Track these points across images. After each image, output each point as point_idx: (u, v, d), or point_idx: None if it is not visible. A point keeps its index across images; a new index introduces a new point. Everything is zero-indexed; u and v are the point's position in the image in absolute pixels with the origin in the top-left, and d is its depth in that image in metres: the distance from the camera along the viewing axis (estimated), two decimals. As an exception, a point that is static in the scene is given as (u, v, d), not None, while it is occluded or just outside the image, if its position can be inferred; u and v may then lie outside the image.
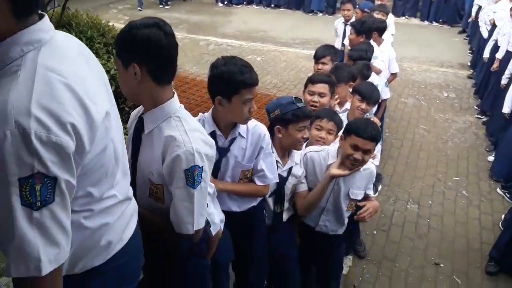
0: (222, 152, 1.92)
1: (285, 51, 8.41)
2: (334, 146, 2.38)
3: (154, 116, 1.46)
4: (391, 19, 5.33)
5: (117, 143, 1.19)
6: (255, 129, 1.95)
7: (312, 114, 2.28)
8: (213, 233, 1.72)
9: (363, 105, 2.87)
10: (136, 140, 1.54)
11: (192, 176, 1.39)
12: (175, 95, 1.50)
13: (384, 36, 4.36)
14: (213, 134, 1.89)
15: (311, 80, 2.72)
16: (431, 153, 4.93)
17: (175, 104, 1.48)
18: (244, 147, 1.94)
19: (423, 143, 5.14)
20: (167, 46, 1.37)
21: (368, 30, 4.04)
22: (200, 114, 1.99)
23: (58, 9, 3.22)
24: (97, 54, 2.91)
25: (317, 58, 3.42)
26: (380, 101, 4.12)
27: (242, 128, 1.93)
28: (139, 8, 11.54)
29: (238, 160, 1.94)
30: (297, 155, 2.28)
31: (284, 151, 2.24)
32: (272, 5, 12.23)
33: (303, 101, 2.30)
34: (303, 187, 2.33)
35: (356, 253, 3.36)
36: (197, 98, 5.73)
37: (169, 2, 12.10)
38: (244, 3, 12.50)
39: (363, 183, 2.38)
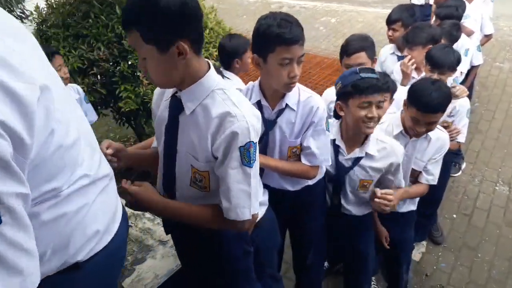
0: (269, 125, 1.73)
1: (362, 11, 7.79)
2: (393, 113, 2.15)
3: (193, 94, 1.27)
4: None
5: (69, 120, 1.00)
6: (308, 101, 1.70)
7: (384, 87, 1.80)
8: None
9: (435, 75, 2.44)
10: (172, 125, 1.36)
11: (248, 154, 1.24)
12: (212, 65, 1.31)
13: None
14: (259, 104, 1.71)
15: (345, 51, 2.24)
16: (529, 126, 4.28)
17: (215, 76, 1.29)
18: (293, 120, 1.71)
19: (520, 115, 4.48)
20: (199, 8, 1.17)
21: None
22: (250, 82, 1.81)
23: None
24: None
25: (388, 23, 3.03)
26: (470, 67, 3.61)
27: (292, 99, 1.69)
28: None
29: (286, 135, 1.74)
30: (374, 143, 1.87)
31: (350, 135, 1.88)
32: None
33: (376, 71, 1.86)
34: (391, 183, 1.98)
35: (432, 238, 3.03)
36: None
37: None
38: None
39: (428, 154, 2.10)
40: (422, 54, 2.59)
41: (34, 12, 3.08)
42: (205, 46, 2.95)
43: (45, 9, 3.04)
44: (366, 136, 1.86)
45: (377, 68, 2.92)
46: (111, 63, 2.75)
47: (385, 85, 1.86)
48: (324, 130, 1.74)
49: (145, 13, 1.11)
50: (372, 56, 2.28)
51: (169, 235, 1.78)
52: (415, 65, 2.66)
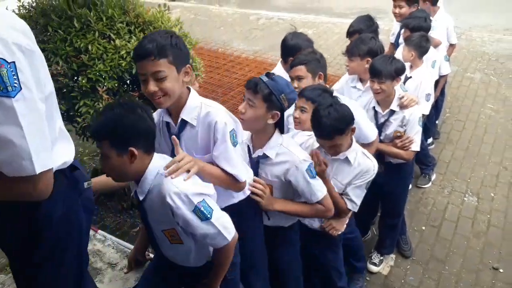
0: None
1: (339, 23, 7.85)
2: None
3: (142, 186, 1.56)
4: None
5: None
6: (207, 115, 1.69)
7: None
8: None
9: (375, 85, 2.46)
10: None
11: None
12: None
13: (440, 3, 3.81)
14: (167, 123, 1.81)
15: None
16: (498, 136, 4.33)
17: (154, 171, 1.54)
18: (196, 136, 1.73)
19: (489, 124, 4.53)
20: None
21: None
22: None
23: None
24: (117, 35, 2.77)
25: (348, 35, 3.05)
26: (439, 77, 3.64)
27: (188, 114, 1.70)
28: None
29: (192, 151, 1.77)
30: (275, 147, 1.92)
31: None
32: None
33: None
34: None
35: (400, 251, 3.02)
36: (240, 77, 5.51)
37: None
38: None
39: (347, 178, 2.10)
40: (360, 65, 2.62)
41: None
42: (169, 59, 2.90)
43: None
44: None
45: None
46: (69, 78, 2.68)
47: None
48: (227, 145, 1.69)
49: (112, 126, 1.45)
50: (316, 71, 2.33)
51: (118, 258, 1.76)
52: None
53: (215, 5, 9.48)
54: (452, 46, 4.05)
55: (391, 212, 2.84)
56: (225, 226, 1.56)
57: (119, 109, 1.47)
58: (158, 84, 1.55)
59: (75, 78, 2.71)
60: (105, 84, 2.66)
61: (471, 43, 6.58)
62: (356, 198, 2.11)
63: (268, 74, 1.85)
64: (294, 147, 1.94)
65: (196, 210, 1.48)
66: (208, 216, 1.50)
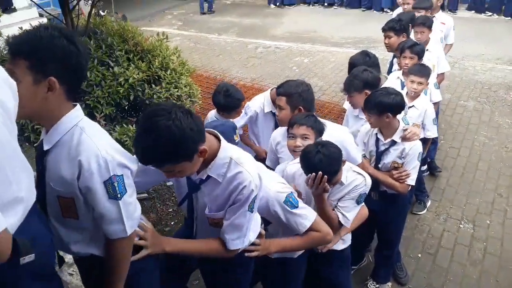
0: (193, 187, 1.75)
1: (334, 51, 8.03)
2: None
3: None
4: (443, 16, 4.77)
5: None
6: (236, 176, 1.59)
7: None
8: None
9: (366, 117, 2.53)
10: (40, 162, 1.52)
11: (113, 187, 1.44)
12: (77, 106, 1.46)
13: (432, 34, 3.91)
14: None
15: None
16: (492, 163, 4.36)
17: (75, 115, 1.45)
18: (217, 193, 1.64)
19: (484, 152, 4.57)
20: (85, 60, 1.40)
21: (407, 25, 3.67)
22: None
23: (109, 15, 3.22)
24: (116, 62, 2.84)
25: (349, 70, 3.12)
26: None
27: (216, 171, 1.62)
28: (202, 11, 11.65)
29: (206, 205, 1.71)
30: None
31: None
32: (326, 4, 11.81)
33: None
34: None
35: (396, 279, 2.99)
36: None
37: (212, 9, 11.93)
38: (296, 3, 12.19)
39: (339, 195, 2.11)
40: (361, 98, 2.64)
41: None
42: (166, 86, 2.97)
43: None
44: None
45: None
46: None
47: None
48: (245, 212, 1.61)
49: (35, 45, 1.27)
50: (296, 105, 2.39)
51: None
52: None
53: (214, 34, 9.68)
54: (441, 75, 4.08)
55: (387, 242, 2.83)
56: (130, 216, 1.44)
57: (52, 31, 1.28)
58: None
59: (74, 104, 2.76)
60: (103, 110, 2.71)
61: (464, 71, 6.71)
62: (347, 211, 2.10)
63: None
64: (267, 182, 1.78)
65: (108, 183, 1.35)
66: (118, 195, 1.38)
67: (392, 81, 3.40)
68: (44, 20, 3.19)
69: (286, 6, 12.08)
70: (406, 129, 2.52)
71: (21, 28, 3.10)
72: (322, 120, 2.30)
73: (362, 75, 2.69)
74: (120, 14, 9.21)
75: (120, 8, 10.43)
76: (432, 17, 4.22)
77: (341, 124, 2.97)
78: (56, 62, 1.29)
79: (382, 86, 2.74)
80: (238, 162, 1.57)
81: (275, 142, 2.50)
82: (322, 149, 1.90)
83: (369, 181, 2.10)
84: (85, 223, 1.47)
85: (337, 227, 2.10)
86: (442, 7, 7.92)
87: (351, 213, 2.10)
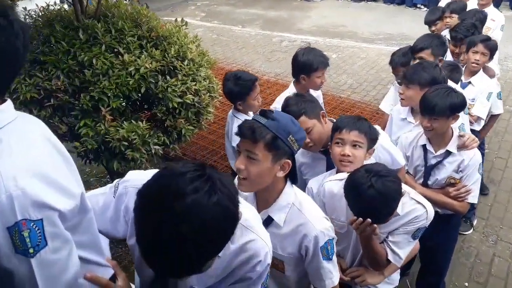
0: None
1: (365, 47, 7.54)
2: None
3: None
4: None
5: None
6: (248, 246, 1.19)
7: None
8: None
9: (425, 121, 2.05)
10: None
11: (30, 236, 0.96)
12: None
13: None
14: None
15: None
16: (547, 178, 3.86)
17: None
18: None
19: (536, 164, 4.07)
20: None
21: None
22: None
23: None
24: (127, 49, 2.48)
25: (413, 51, 2.66)
26: (489, 115, 3.21)
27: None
28: None
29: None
30: (285, 203, 1.49)
31: None
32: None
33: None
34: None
35: (439, 311, 2.56)
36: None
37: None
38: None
39: (390, 227, 1.69)
40: (418, 95, 2.16)
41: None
42: (183, 78, 2.60)
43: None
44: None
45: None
46: (70, 95, 2.39)
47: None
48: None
49: None
50: (317, 112, 1.95)
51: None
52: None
53: (238, 26, 9.30)
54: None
55: (433, 268, 2.41)
56: (54, 281, 0.98)
57: None
58: None
59: (76, 95, 2.42)
60: (109, 103, 2.36)
61: (508, 73, 6.15)
62: (399, 248, 1.69)
63: (265, 113, 1.40)
64: (309, 209, 1.49)
65: (15, 231, 0.88)
66: (30, 250, 0.91)
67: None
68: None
69: (313, 0, 11.59)
70: (462, 135, 2.09)
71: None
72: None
73: (433, 70, 2.25)
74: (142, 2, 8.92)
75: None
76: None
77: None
78: None
79: None
80: (304, 212, 1.41)
81: (297, 164, 2.05)
82: (377, 182, 1.45)
83: (431, 212, 1.67)
84: None
85: (383, 265, 1.70)
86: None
87: (404, 250, 1.69)
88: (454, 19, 3.69)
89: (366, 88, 5.80)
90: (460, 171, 2.10)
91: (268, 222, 1.47)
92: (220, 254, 1.08)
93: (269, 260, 1.20)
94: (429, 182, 2.17)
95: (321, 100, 2.69)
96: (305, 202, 1.49)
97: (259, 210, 1.47)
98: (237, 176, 1.39)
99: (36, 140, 0.95)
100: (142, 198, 0.87)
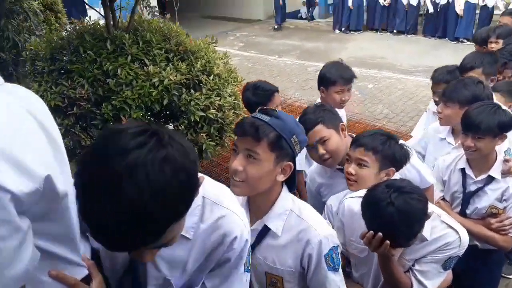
0: None
1: (403, 78, 7.34)
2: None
3: None
4: None
5: None
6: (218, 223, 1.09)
7: None
8: None
9: (468, 141, 1.81)
10: None
11: None
12: None
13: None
14: None
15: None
16: None
17: None
18: None
19: None
20: None
21: None
22: None
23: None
24: (153, 61, 2.47)
25: (464, 70, 2.45)
26: None
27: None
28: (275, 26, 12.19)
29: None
30: (281, 210, 1.34)
31: None
32: (395, 31, 11.14)
33: None
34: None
35: None
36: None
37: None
38: (362, 30, 11.65)
39: (417, 254, 1.48)
40: (458, 115, 1.95)
41: (31, 48, 2.84)
42: (207, 93, 2.55)
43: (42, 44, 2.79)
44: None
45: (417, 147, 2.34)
46: (92, 104, 2.38)
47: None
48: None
49: None
50: (336, 124, 1.77)
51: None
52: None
53: (274, 56, 9.38)
54: None
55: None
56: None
57: None
58: None
59: (99, 104, 2.42)
60: (131, 113, 2.33)
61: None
62: (427, 278, 1.47)
63: (266, 110, 1.29)
64: (310, 214, 1.34)
65: None
66: None
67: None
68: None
69: (352, 32, 11.57)
70: (508, 160, 1.87)
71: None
72: (406, 143, 1.70)
73: (475, 87, 2.05)
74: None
75: (184, 26, 10.51)
76: None
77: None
78: None
79: None
80: (305, 219, 1.30)
81: (314, 185, 1.91)
82: (397, 198, 1.28)
83: (465, 239, 1.45)
84: None
85: None
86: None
87: (433, 282, 1.47)
88: (499, 45, 3.49)
89: (403, 119, 5.58)
90: (504, 200, 1.86)
91: (263, 233, 1.32)
92: (190, 236, 0.99)
93: (246, 236, 1.06)
94: (468, 211, 1.94)
95: (344, 120, 2.52)
96: (305, 208, 1.35)
97: (252, 220, 1.33)
98: (231, 178, 1.26)
99: (11, 112, 0.81)
100: (81, 163, 0.75)
